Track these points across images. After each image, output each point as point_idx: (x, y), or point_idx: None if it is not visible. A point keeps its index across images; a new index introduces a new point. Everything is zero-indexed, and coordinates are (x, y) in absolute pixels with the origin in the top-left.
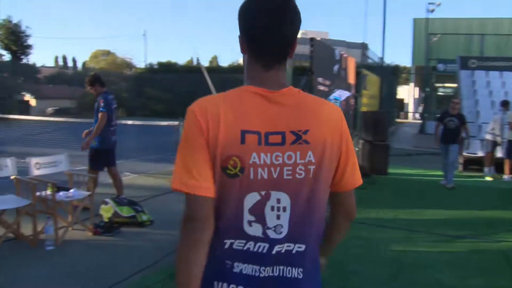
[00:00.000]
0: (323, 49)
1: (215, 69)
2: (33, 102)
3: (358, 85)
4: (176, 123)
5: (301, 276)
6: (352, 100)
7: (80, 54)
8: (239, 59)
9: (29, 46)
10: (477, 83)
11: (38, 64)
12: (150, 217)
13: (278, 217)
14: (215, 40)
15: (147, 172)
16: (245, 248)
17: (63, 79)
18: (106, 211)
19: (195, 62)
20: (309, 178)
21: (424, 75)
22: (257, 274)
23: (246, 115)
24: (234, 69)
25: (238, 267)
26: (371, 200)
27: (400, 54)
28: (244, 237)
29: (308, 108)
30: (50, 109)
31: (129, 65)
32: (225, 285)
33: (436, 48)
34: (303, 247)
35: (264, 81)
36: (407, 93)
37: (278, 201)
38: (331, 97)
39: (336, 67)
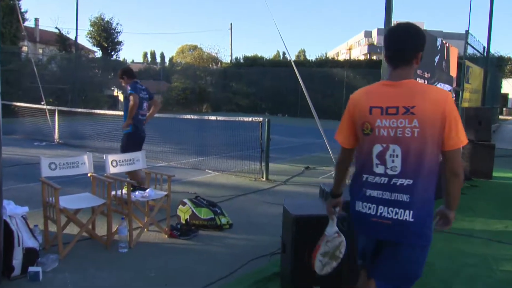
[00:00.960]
0: None
1: (302, 63)
2: (121, 97)
3: (460, 78)
4: (260, 119)
5: (408, 200)
6: (453, 95)
7: (168, 50)
8: (329, 51)
9: (119, 43)
10: None
11: (128, 60)
12: (230, 220)
13: (393, 161)
14: (302, 34)
15: (229, 170)
16: (374, 181)
17: (150, 74)
18: (184, 212)
19: (282, 56)
20: (414, 136)
21: None
22: (380, 196)
23: (374, 96)
24: (321, 63)
25: (369, 192)
26: (474, 207)
27: (503, 43)
28: (373, 174)
29: (417, 91)
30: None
31: (215, 60)
32: (360, 203)
33: None
34: (411, 181)
35: (391, 76)
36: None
37: (394, 150)
38: None
39: (436, 58)
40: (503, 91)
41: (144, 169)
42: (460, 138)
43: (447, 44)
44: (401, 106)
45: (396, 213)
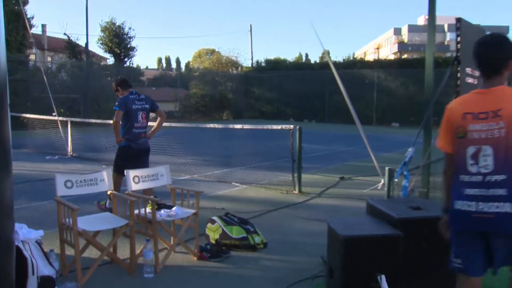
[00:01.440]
0: (473, 32)
1: (326, 65)
2: None
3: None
4: (290, 126)
5: (506, 194)
6: None
7: (184, 55)
8: (356, 52)
9: (132, 48)
10: None
11: (142, 67)
12: (264, 239)
13: (486, 160)
14: (325, 33)
15: (258, 182)
16: (470, 180)
17: (166, 81)
18: (213, 231)
19: (305, 58)
20: (502, 136)
21: None
22: (477, 194)
23: (467, 104)
24: (349, 64)
25: (466, 191)
26: None
27: None
28: (468, 173)
29: (504, 96)
30: (153, 113)
31: (235, 64)
32: (459, 202)
33: None
34: (504, 176)
35: (484, 85)
36: None
37: (486, 150)
38: None
39: None
40: None
41: (169, 185)
42: None
43: None
44: (490, 111)
45: (497, 207)
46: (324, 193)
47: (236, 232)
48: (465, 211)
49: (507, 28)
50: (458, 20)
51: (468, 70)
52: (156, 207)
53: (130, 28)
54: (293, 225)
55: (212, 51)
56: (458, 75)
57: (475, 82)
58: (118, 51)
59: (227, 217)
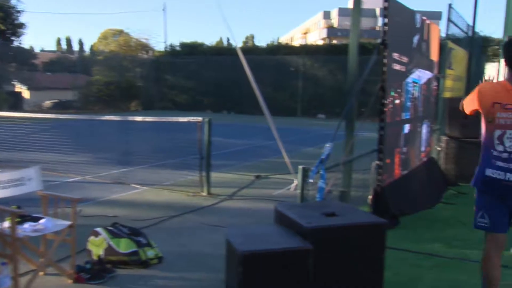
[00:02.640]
0: (400, 13)
1: (251, 50)
2: (26, 93)
3: (441, 62)
4: (199, 119)
5: None
6: (434, 83)
7: (89, 36)
8: (283, 37)
9: (21, 25)
10: None
11: (37, 48)
12: (159, 253)
13: (510, 141)
14: (250, 17)
15: (161, 183)
16: (498, 155)
17: (64, 66)
18: (97, 246)
19: (227, 43)
20: None
21: None
22: (506, 166)
23: (497, 95)
24: (273, 50)
25: (497, 163)
26: (464, 220)
27: (485, 22)
28: (495, 150)
29: None
30: (47, 102)
31: (146, 47)
32: (490, 170)
33: None
34: None
35: (509, 79)
36: (496, 72)
37: (510, 134)
38: (409, 79)
39: (415, 39)
40: (486, 77)
41: (39, 191)
42: None
43: (427, 21)
44: None
45: None
46: (236, 195)
47: (124, 246)
48: (496, 179)
49: (439, 13)
50: (386, 0)
51: (396, 55)
52: (18, 220)
53: (18, 0)
54: (196, 234)
55: (120, 32)
56: (385, 61)
57: (403, 69)
58: (4, 28)
59: (114, 227)
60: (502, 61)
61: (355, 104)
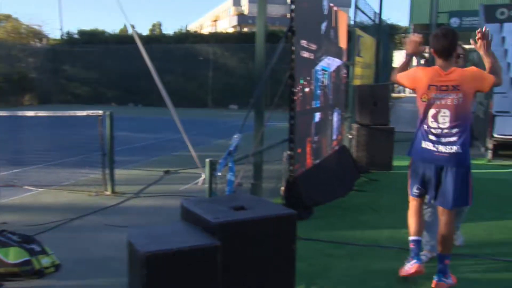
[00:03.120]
0: (309, 2)
1: (158, 39)
2: None
3: (350, 50)
4: (99, 112)
5: (455, 140)
6: (344, 71)
7: None
8: (191, 24)
9: None
10: (508, 40)
11: None
12: (56, 260)
13: (444, 119)
14: (156, 4)
15: (60, 183)
16: (432, 130)
17: None
18: None
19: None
20: (460, 103)
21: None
22: (438, 139)
23: (432, 78)
24: (181, 38)
25: (430, 136)
26: (377, 208)
27: (392, 10)
28: (429, 127)
29: (459, 73)
30: None
31: (39, 35)
32: (424, 142)
33: None
34: (456, 129)
35: (440, 65)
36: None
37: (444, 112)
38: (318, 67)
39: (323, 26)
40: (394, 64)
41: None
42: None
43: (335, 8)
44: (451, 85)
45: (451, 149)
46: (143, 192)
47: (14, 256)
48: (429, 150)
49: (348, 1)
50: None
51: (304, 42)
52: None
53: None
54: (99, 237)
55: (7, 18)
56: (293, 48)
57: (312, 57)
58: None
59: (2, 236)
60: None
61: (265, 93)
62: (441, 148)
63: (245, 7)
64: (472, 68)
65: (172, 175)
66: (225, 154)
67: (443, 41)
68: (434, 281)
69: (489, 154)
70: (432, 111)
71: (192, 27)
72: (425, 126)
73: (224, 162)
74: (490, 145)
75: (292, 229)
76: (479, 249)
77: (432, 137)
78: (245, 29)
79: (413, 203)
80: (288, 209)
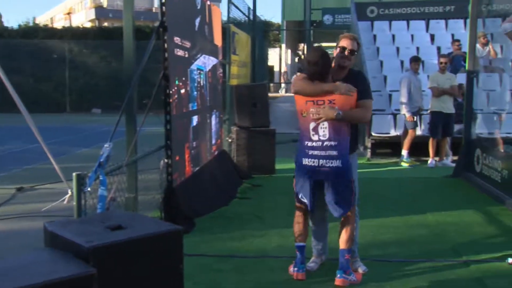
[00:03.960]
0: None
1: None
2: None
3: (225, 48)
4: None
5: (336, 154)
6: (219, 70)
7: None
8: (40, 17)
9: None
10: (379, 37)
11: None
12: None
13: (324, 131)
14: None
15: None
16: (311, 144)
17: None
18: None
19: None
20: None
21: (305, 32)
22: (317, 154)
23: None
24: (28, 33)
25: (311, 152)
26: (262, 215)
27: (265, 6)
28: (311, 140)
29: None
30: None
31: None
32: (305, 159)
33: None
34: (336, 142)
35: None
36: (278, 57)
37: (323, 125)
38: (194, 66)
39: (197, 21)
40: (269, 62)
41: None
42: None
43: (208, 3)
44: (326, 100)
45: (332, 163)
46: None
47: None
48: (311, 166)
49: None
50: None
51: (177, 40)
52: None
53: None
54: None
55: None
56: (166, 46)
57: (186, 55)
58: None
59: None
60: (283, 46)
61: (135, 95)
62: (322, 162)
63: None
64: (349, 86)
65: (27, 192)
66: (95, 166)
67: (315, 68)
68: (336, 279)
69: (368, 153)
70: (312, 124)
71: (41, 20)
72: (307, 139)
73: (94, 175)
74: (368, 144)
75: (179, 247)
76: (366, 251)
77: (313, 152)
78: (105, 24)
79: (297, 210)
80: (173, 225)
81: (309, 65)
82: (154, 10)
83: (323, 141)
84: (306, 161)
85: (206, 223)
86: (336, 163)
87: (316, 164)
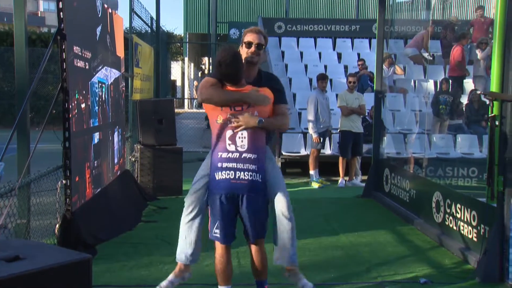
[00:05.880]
0: None
1: None
2: None
3: (128, 59)
4: None
5: (254, 168)
6: (122, 84)
7: None
8: None
9: None
10: (287, 54)
11: None
12: None
13: (242, 141)
14: None
15: None
16: (227, 156)
17: None
18: None
19: None
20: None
21: (210, 45)
22: (233, 166)
23: None
24: None
25: (224, 165)
26: (171, 240)
27: (167, 17)
28: (226, 151)
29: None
30: None
31: None
32: (219, 173)
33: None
34: (255, 155)
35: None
36: (180, 71)
37: (242, 134)
38: (95, 79)
39: (98, 30)
40: (172, 77)
41: None
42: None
43: (110, 10)
44: (245, 106)
45: (250, 175)
46: None
47: None
48: (225, 179)
49: (115, 3)
50: None
51: (77, 49)
52: None
53: None
54: None
55: None
56: (64, 56)
57: (87, 67)
58: None
59: None
60: (186, 60)
61: (28, 109)
62: (239, 174)
63: None
64: (265, 90)
65: None
66: None
67: (227, 70)
68: None
69: None
70: (229, 132)
71: None
72: (221, 150)
73: None
74: (278, 163)
75: (86, 278)
76: (283, 276)
77: (227, 164)
78: None
79: (217, 248)
80: (80, 253)
81: (220, 67)
82: (40, 14)
83: (241, 153)
84: (219, 175)
85: (109, 250)
86: (255, 176)
87: (232, 177)
